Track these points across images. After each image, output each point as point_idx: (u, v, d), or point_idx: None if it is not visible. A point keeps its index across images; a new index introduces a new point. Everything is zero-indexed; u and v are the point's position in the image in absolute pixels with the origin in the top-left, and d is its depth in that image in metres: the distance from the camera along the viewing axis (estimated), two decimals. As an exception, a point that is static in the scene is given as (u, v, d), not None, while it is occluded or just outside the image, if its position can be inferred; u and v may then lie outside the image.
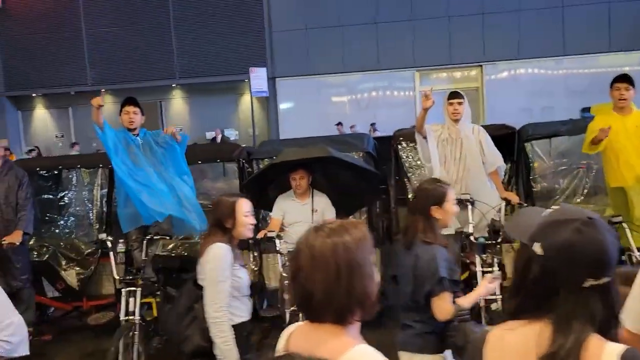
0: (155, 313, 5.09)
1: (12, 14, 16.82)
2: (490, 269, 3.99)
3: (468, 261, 4.45)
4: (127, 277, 4.30)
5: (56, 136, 18.16)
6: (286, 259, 4.18)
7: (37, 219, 5.98)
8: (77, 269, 5.50)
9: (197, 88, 17.07)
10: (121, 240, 4.42)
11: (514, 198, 4.41)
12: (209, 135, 16.48)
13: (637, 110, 4.48)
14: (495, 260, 4.06)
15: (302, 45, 15.95)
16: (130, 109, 4.79)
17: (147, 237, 4.52)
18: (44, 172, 5.82)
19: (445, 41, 15.44)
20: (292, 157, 4.45)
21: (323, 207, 4.72)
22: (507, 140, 5.34)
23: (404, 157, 5.27)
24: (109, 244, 4.38)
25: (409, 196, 5.31)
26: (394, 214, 5.37)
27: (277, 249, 4.19)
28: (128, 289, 4.27)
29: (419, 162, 4.99)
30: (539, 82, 15.30)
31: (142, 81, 16.31)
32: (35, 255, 5.51)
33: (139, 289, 4.29)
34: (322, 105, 16.54)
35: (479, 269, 4.05)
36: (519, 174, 5.29)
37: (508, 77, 15.68)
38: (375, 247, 4.62)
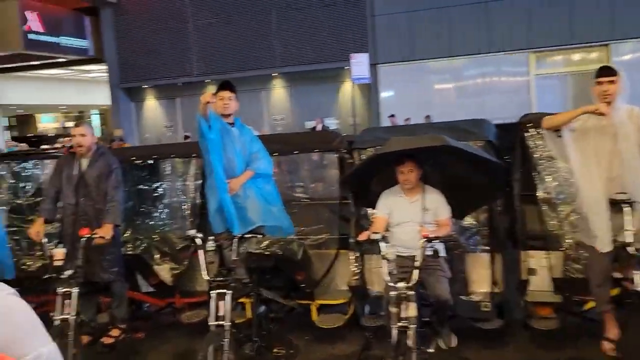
0: (249, 314, 4.72)
1: (126, 9, 17.47)
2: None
3: (621, 276, 3.60)
4: (217, 279, 3.92)
5: (165, 126, 18.73)
6: (394, 265, 3.58)
7: (132, 210, 5.84)
8: (171, 264, 5.25)
9: (297, 77, 16.82)
10: (211, 238, 4.04)
11: None
12: (309, 124, 16.18)
13: None
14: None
15: (405, 29, 15.13)
16: (225, 94, 4.42)
17: (238, 236, 4.11)
18: (139, 161, 5.62)
19: (565, 18, 13.94)
20: (400, 146, 3.82)
21: (436, 206, 4.06)
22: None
23: (533, 146, 4.44)
24: (199, 241, 4.02)
25: (539, 193, 4.50)
26: (519, 213, 4.58)
27: (382, 253, 3.60)
28: (218, 291, 3.89)
29: (551, 153, 4.16)
30: None
31: (244, 71, 16.34)
32: (129, 248, 5.33)
33: (230, 292, 3.89)
34: (425, 93, 15.66)
35: (636, 287, 3.22)
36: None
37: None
38: (497, 251, 3.93)
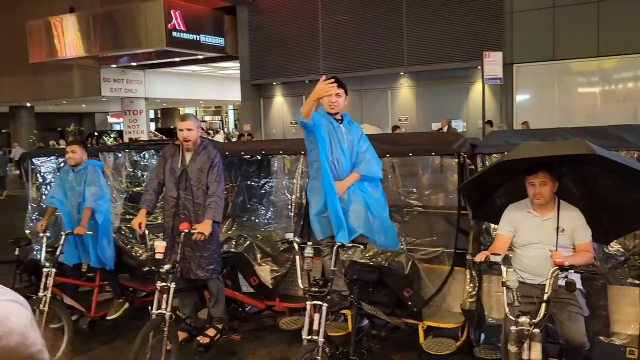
0: (350, 327, 4.32)
1: (261, 8, 17.94)
2: None
3: None
4: (313, 289, 3.57)
5: (290, 123, 18.99)
6: (516, 294, 2.99)
7: (241, 206, 5.71)
8: (272, 265, 5.01)
9: (425, 76, 16.15)
10: (309, 243, 3.71)
11: None
12: (435, 126, 15.45)
13: None
14: None
15: (547, 26, 13.85)
16: (332, 90, 4.05)
17: (339, 244, 3.73)
18: (248, 156, 5.46)
19: None
20: (533, 153, 3.20)
21: (573, 226, 3.38)
22: None
23: None
24: (296, 247, 3.70)
25: None
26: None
27: (503, 279, 3.02)
28: (313, 302, 3.55)
29: None
30: None
31: (371, 69, 16.02)
32: (232, 245, 5.18)
33: (325, 304, 3.52)
34: (566, 96, 14.24)
35: None
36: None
37: None
38: None
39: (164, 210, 4.66)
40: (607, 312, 3.75)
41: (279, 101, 19.38)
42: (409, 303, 4.24)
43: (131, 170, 6.21)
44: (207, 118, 41.11)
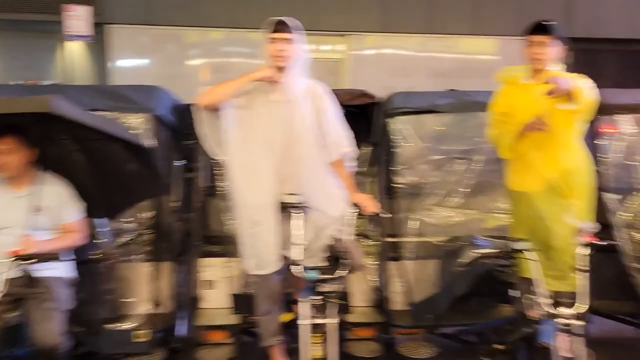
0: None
1: None
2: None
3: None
4: None
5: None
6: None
7: None
8: None
9: (4, 26, 13.72)
10: None
11: (369, 205, 2.77)
12: (16, 85, 13.35)
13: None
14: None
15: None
16: None
17: None
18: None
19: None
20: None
21: (58, 203, 2.78)
22: (366, 114, 3.80)
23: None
24: None
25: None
26: (197, 212, 3.59)
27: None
28: None
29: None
30: (403, 60, 14.23)
31: None
32: None
33: None
34: (174, 67, 13.99)
35: (304, 321, 2.39)
36: (379, 162, 3.75)
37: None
38: (164, 260, 2.77)
39: None
40: (117, 294, 3.34)
41: None
42: None
43: None
44: None
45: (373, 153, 3.79)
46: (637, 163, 3.69)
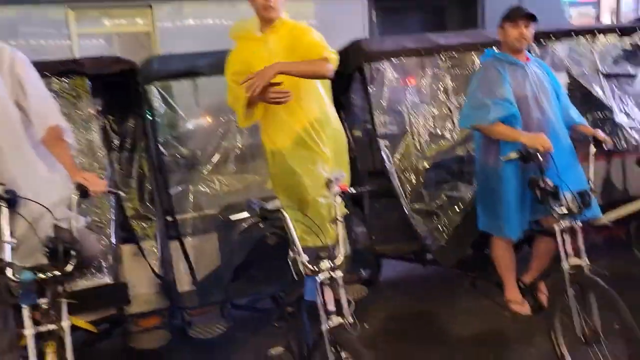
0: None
1: None
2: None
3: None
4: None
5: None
6: None
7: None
8: None
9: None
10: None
11: (95, 184, 2.33)
12: None
13: (287, 22, 2.74)
14: None
15: None
16: None
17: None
18: None
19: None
20: None
21: None
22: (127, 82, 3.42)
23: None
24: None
25: None
26: None
27: None
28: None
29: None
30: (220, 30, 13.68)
31: None
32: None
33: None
34: None
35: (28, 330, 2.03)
36: (147, 136, 3.40)
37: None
38: None
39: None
40: None
41: None
42: None
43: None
44: None
45: (137, 126, 3.44)
46: (403, 109, 3.79)
